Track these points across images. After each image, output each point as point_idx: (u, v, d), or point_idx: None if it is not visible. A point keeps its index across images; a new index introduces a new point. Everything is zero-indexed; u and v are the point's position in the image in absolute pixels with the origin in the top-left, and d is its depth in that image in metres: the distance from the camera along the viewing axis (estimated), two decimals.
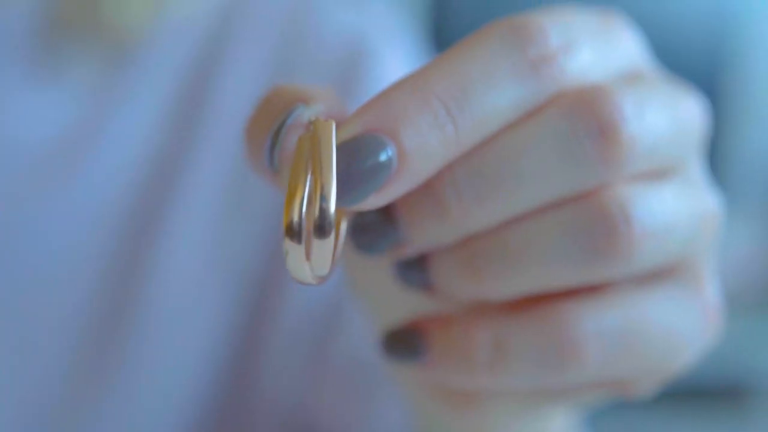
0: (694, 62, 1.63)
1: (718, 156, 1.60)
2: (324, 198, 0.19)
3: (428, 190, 0.22)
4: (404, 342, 0.24)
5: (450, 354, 0.23)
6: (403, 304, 0.27)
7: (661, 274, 0.24)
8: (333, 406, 0.46)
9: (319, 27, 0.51)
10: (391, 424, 0.44)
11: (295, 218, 0.19)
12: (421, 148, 0.20)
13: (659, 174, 0.23)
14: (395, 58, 0.52)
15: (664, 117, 0.22)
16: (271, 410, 0.47)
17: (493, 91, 0.21)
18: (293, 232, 0.19)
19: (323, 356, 0.46)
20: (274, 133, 0.21)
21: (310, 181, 0.19)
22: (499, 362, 0.23)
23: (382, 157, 0.20)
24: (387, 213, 0.22)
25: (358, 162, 0.20)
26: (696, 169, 0.25)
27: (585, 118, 0.21)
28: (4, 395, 0.44)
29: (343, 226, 0.22)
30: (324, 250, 0.19)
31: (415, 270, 0.24)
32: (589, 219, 0.22)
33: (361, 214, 0.23)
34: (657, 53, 1.46)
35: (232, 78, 0.49)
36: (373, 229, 0.23)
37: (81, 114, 0.47)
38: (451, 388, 0.26)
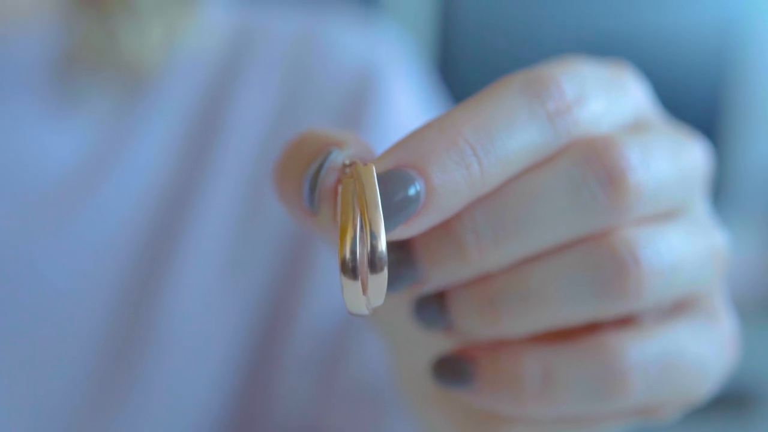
0: (695, 71, 1.64)
1: (719, 164, 1.60)
2: (374, 236, 0.20)
3: (447, 231, 0.23)
4: (453, 368, 0.25)
5: (499, 382, 0.24)
6: (423, 341, 0.28)
7: (681, 308, 0.26)
8: (343, 426, 0.46)
9: (327, 57, 0.52)
10: None
11: (348, 255, 0.21)
12: (448, 184, 0.21)
13: (665, 216, 0.25)
14: (402, 88, 0.52)
15: (668, 163, 0.24)
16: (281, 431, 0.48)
17: (514, 137, 0.22)
18: (347, 269, 0.21)
19: (332, 378, 0.47)
20: (313, 176, 0.22)
21: (360, 221, 0.21)
22: (547, 392, 0.24)
23: (411, 191, 0.21)
24: (405, 252, 0.24)
25: (389, 195, 0.21)
26: (701, 209, 0.26)
27: (595, 167, 0.23)
28: (18, 416, 0.44)
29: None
30: (379, 283, 0.21)
31: (434, 312, 0.25)
32: (600, 259, 0.23)
33: None
34: (659, 69, 1.47)
35: (242, 108, 0.49)
36: (391, 268, 0.24)
37: (95, 145, 0.48)
38: (490, 415, 0.27)
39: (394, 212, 0.21)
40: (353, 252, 0.21)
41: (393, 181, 0.21)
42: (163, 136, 0.49)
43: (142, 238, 0.47)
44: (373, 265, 0.20)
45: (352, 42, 0.53)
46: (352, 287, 0.21)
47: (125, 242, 0.47)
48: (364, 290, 0.21)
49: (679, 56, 1.63)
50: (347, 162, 0.22)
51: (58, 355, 0.45)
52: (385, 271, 0.21)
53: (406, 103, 0.52)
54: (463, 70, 1.53)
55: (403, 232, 0.22)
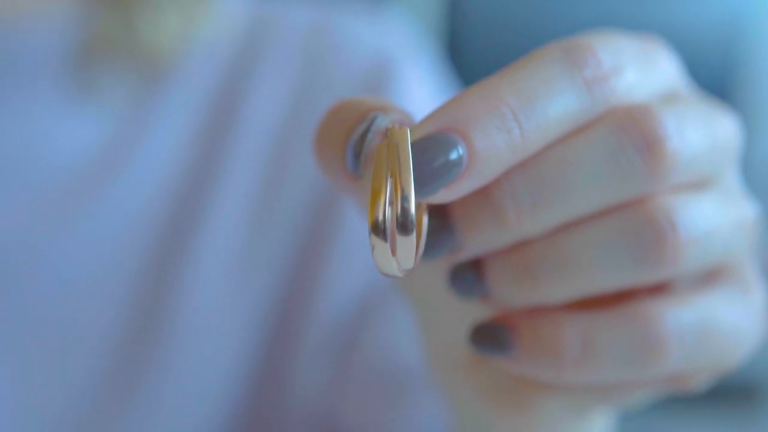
0: (702, 68, 1.64)
1: None
2: (405, 198, 0.21)
3: (485, 197, 0.23)
4: (492, 336, 0.25)
5: (538, 349, 0.24)
6: (455, 311, 0.28)
7: (713, 277, 0.26)
8: (358, 414, 0.46)
9: (341, 48, 0.52)
10: (420, 429, 0.45)
11: (380, 217, 0.21)
12: (490, 148, 0.22)
13: (699, 185, 0.25)
14: (415, 74, 0.53)
15: (702, 133, 0.24)
16: (297, 421, 0.48)
17: (553, 103, 0.22)
18: (378, 230, 0.21)
19: (347, 368, 0.47)
20: (358, 140, 0.23)
21: (391, 184, 0.21)
22: (586, 359, 0.24)
23: (454, 155, 0.21)
24: (443, 219, 0.24)
25: (432, 158, 0.21)
26: (732, 180, 0.26)
27: (632, 134, 0.23)
28: (31, 410, 0.45)
29: (425, 220, 0.23)
30: (408, 245, 0.21)
31: (470, 280, 0.25)
32: (638, 226, 0.23)
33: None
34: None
35: (257, 99, 0.49)
36: (429, 235, 0.24)
37: (111, 136, 0.48)
38: (522, 384, 0.27)
39: (436, 176, 0.21)
40: (384, 214, 0.21)
41: (435, 145, 0.21)
42: (178, 127, 0.49)
43: (156, 230, 0.47)
44: (404, 227, 0.21)
45: (366, 32, 0.53)
46: (382, 249, 0.21)
47: (139, 235, 0.47)
48: (394, 252, 0.21)
49: (686, 52, 1.63)
50: (390, 126, 0.22)
51: (70, 350, 0.45)
52: (414, 233, 0.21)
53: (420, 92, 0.52)
54: (473, 58, 1.53)
55: (444, 196, 0.22)
